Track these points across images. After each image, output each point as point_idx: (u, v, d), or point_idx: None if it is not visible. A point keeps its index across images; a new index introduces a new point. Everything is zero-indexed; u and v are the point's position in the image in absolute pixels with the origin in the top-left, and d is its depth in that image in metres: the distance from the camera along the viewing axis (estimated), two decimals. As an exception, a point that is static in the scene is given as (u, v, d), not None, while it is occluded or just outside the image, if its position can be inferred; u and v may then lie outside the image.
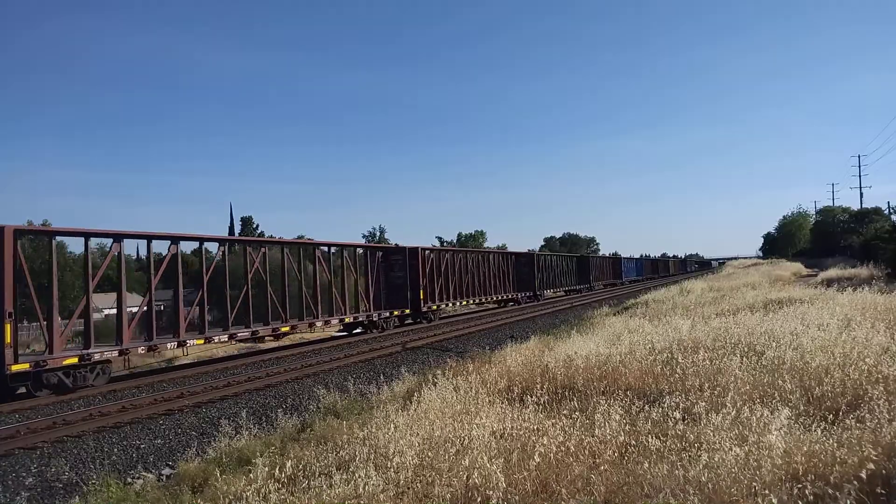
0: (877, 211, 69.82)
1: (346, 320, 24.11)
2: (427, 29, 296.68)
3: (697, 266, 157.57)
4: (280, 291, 20.42)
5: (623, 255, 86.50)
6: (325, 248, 23.58)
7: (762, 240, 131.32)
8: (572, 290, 53.90)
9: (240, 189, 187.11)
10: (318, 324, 22.33)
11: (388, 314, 26.01)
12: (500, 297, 38.37)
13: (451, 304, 32.16)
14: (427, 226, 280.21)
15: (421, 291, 28.14)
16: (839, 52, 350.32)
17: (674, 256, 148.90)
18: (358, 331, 25.70)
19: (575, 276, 55.41)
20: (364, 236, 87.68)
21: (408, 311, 27.46)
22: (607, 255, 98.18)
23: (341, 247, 24.52)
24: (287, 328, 20.57)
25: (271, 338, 21.96)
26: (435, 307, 29.63)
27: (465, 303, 33.78)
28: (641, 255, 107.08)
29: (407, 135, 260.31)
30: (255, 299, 19.36)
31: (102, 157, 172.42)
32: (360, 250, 26.98)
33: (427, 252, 30.19)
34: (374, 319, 25.10)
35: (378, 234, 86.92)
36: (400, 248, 28.79)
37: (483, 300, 36.19)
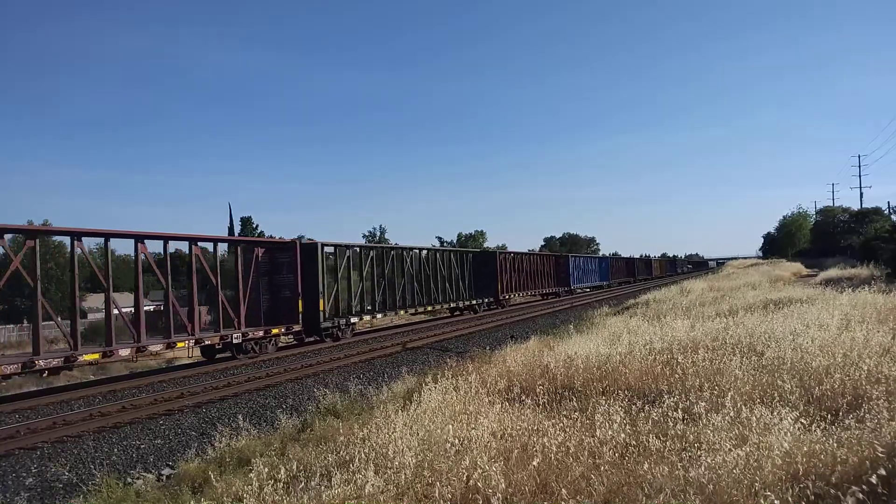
0: (877, 211, 69.88)
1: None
2: (427, 29, 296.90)
3: (691, 267, 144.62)
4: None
5: (572, 254, 63.21)
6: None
7: (762, 240, 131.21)
8: (466, 308, 33.92)
9: (240, 189, 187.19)
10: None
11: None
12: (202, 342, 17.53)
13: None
14: (427, 226, 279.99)
15: None
16: (839, 52, 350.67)
17: (674, 256, 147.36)
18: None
19: (470, 285, 34.38)
20: (364, 236, 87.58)
21: None
22: (541, 251, 73.93)
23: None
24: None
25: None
26: None
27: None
28: (642, 256, 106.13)
29: (407, 135, 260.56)
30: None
31: (102, 157, 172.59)
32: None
33: None
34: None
35: (378, 234, 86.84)
36: None
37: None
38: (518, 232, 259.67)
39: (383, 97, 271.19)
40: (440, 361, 13.82)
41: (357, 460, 5.67)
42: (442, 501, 4.69)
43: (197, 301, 17.39)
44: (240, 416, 9.89)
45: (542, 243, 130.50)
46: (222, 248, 20.24)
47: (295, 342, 22.27)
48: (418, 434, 6.15)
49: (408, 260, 28.60)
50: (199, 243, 17.87)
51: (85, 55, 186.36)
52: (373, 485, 4.96)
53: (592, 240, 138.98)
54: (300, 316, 20.89)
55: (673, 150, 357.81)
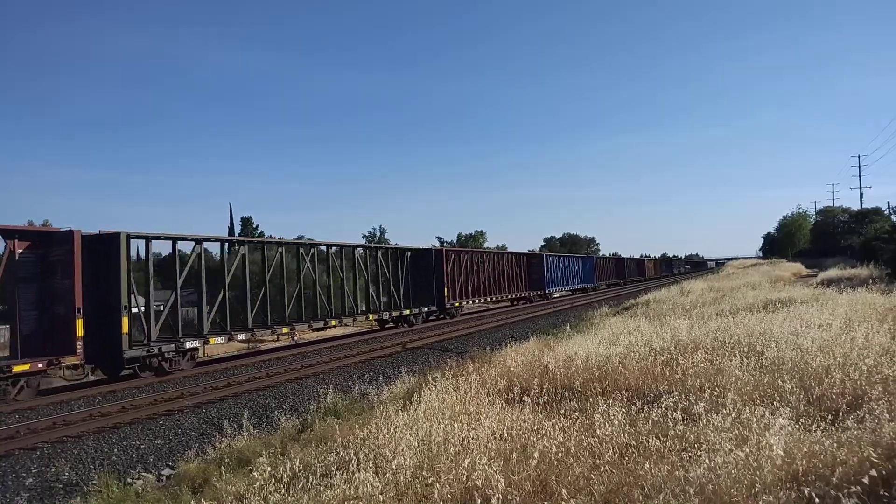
0: (877, 211, 69.84)
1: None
2: (427, 29, 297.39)
3: (689, 267, 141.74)
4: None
5: (547, 253, 54.70)
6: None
7: (762, 240, 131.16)
8: (399, 320, 27.46)
9: (240, 189, 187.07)
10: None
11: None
12: None
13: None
14: (427, 226, 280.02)
15: None
16: (839, 52, 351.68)
17: (673, 257, 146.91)
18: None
19: (407, 292, 28.01)
20: (364, 236, 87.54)
21: None
22: (506, 248, 63.08)
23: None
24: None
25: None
26: None
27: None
28: (642, 256, 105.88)
29: (407, 135, 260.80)
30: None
31: (102, 157, 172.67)
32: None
33: None
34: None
35: (378, 234, 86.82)
36: None
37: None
38: (518, 232, 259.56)
39: (383, 97, 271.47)
40: (440, 362, 13.82)
41: (357, 460, 5.68)
42: (441, 502, 4.70)
43: None
44: (240, 416, 9.89)
45: (542, 243, 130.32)
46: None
47: (106, 377, 15.86)
48: (418, 434, 6.16)
49: (307, 259, 21.93)
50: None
51: (85, 55, 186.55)
52: (373, 485, 4.96)
53: (592, 240, 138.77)
54: (79, 342, 13.75)
55: (673, 150, 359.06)
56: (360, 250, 26.15)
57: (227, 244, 19.30)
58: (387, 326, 27.64)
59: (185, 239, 17.27)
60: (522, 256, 43.77)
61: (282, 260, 20.89)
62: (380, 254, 26.98)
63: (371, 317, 25.54)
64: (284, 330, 20.99)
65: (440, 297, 29.99)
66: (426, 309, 29.06)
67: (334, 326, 24.36)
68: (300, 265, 21.78)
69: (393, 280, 27.21)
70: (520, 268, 41.50)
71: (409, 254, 29.08)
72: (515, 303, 41.23)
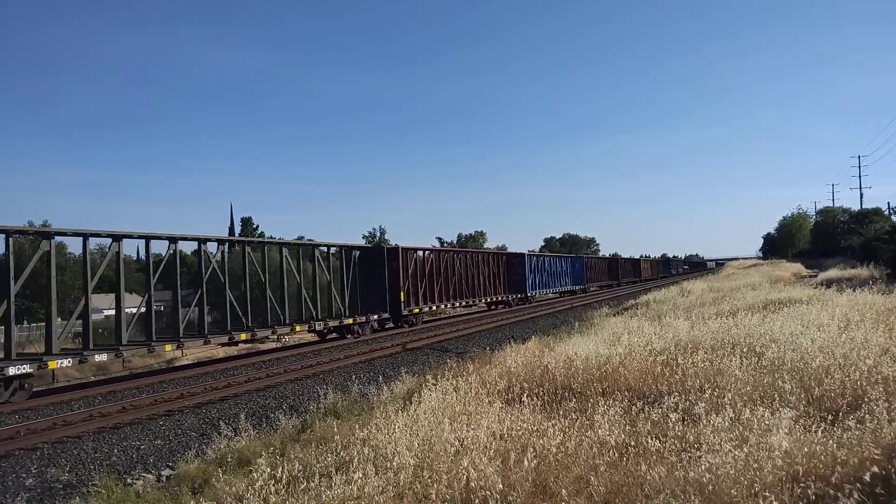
0: (877, 211, 69.83)
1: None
2: (427, 29, 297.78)
3: (688, 268, 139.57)
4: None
5: (530, 253, 46.02)
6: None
7: (762, 240, 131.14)
8: (343, 331, 23.50)
9: (240, 189, 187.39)
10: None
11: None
12: None
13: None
14: (427, 226, 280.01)
15: None
16: (839, 52, 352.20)
17: (673, 257, 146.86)
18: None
19: (355, 297, 24.38)
20: (364, 237, 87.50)
21: None
22: (491, 248, 56.87)
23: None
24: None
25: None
26: None
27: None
28: (642, 256, 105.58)
29: (407, 135, 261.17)
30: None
31: (102, 157, 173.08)
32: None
33: None
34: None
35: (378, 234, 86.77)
36: None
37: None
38: (518, 232, 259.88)
39: (383, 97, 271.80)
40: (440, 362, 13.82)
41: (357, 461, 5.68)
42: (441, 502, 4.70)
43: None
44: (240, 417, 9.89)
45: (542, 244, 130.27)
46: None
47: None
48: (418, 434, 6.16)
49: (213, 260, 18.33)
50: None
51: (85, 55, 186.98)
52: (372, 485, 4.96)
53: (592, 240, 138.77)
54: None
55: (673, 150, 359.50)
56: (290, 250, 22.10)
57: (88, 239, 14.84)
58: (328, 338, 23.97)
59: (25, 233, 13.97)
60: (501, 256, 40.15)
61: (176, 259, 17.00)
62: (318, 253, 22.95)
63: (298, 327, 21.16)
64: (168, 348, 16.85)
65: (395, 302, 26.12)
66: (376, 317, 25.17)
67: (245, 341, 19.92)
68: (203, 267, 17.91)
69: (336, 283, 23.60)
70: (497, 268, 37.57)
71: (356, 253, 25.18)
72: (493, 307, 37.85)
